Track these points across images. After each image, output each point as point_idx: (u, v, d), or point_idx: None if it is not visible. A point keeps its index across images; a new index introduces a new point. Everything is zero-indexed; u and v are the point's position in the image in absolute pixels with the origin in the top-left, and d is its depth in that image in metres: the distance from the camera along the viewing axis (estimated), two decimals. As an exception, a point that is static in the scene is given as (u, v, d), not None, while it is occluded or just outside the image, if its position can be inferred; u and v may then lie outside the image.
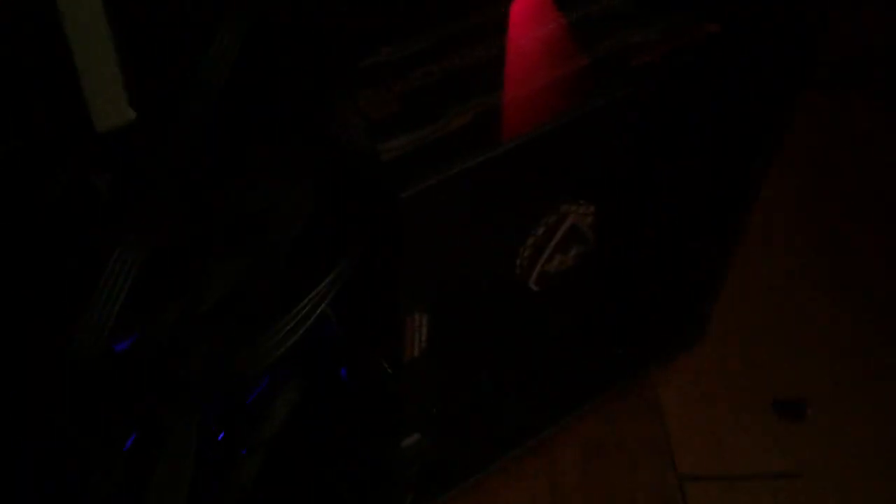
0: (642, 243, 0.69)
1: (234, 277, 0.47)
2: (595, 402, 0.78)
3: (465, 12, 0.55)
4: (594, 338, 0.75)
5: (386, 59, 0.53)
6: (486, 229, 0.55)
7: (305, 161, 0.50)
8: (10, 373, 0.51)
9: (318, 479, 0.68)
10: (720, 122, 0.62)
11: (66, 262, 0.52)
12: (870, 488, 0.75)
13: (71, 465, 0.50)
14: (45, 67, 0.48)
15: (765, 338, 0.84)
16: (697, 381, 0.80)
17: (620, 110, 0.55)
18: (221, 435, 0.58)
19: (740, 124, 0.63)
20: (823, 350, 0.83)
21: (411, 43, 0.54)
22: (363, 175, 0.48)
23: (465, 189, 0.50)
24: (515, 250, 0.59)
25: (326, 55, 0.53)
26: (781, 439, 0.78)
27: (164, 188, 0.48)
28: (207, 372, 0.48)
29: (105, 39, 0.46)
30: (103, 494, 0.49)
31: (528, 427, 0.75)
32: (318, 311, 0.47)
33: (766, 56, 0.60)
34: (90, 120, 0.49)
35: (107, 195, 0.52)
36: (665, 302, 0.75)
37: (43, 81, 0.48)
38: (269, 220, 0.49)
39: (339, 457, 0.70)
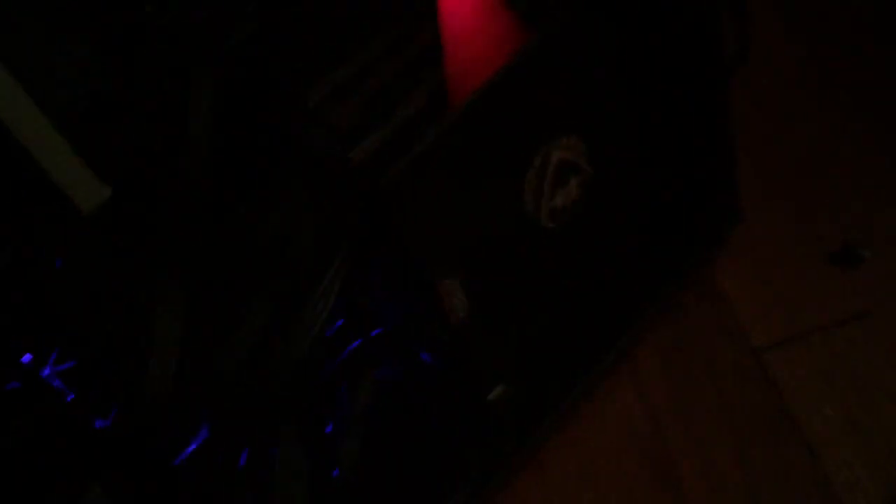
0: (641, 155, 0.71)
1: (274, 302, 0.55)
2: (659, 306, 0.79)
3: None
4: (635, 254, 0.76)
5: (341, 79, 0.59)
6: (478, 191, 0.59)
7: (306, 181, 0.56)
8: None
9: (425, 449, 0.74)
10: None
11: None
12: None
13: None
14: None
15: (803, 197, 0.83)
16: (749, 258, 0.81)
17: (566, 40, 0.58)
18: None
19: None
20: (869, 194, 0.82)
21: (357, 58, 0.59)
22: (341, 180, 0.55)
23: (441, 159, 0.54)
24: (517, 201, 0.62)
25: (287, 91, 0.60)
26: (844, 287, 0.78)
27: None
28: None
29: (52, 134, 0.51)
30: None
31: (601, 344, 0.77)
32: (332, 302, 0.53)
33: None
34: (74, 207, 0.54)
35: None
36: (689, 201, 0.76)
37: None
38: (291, 239, 0.56)
39: (440, 426, 0.74)
